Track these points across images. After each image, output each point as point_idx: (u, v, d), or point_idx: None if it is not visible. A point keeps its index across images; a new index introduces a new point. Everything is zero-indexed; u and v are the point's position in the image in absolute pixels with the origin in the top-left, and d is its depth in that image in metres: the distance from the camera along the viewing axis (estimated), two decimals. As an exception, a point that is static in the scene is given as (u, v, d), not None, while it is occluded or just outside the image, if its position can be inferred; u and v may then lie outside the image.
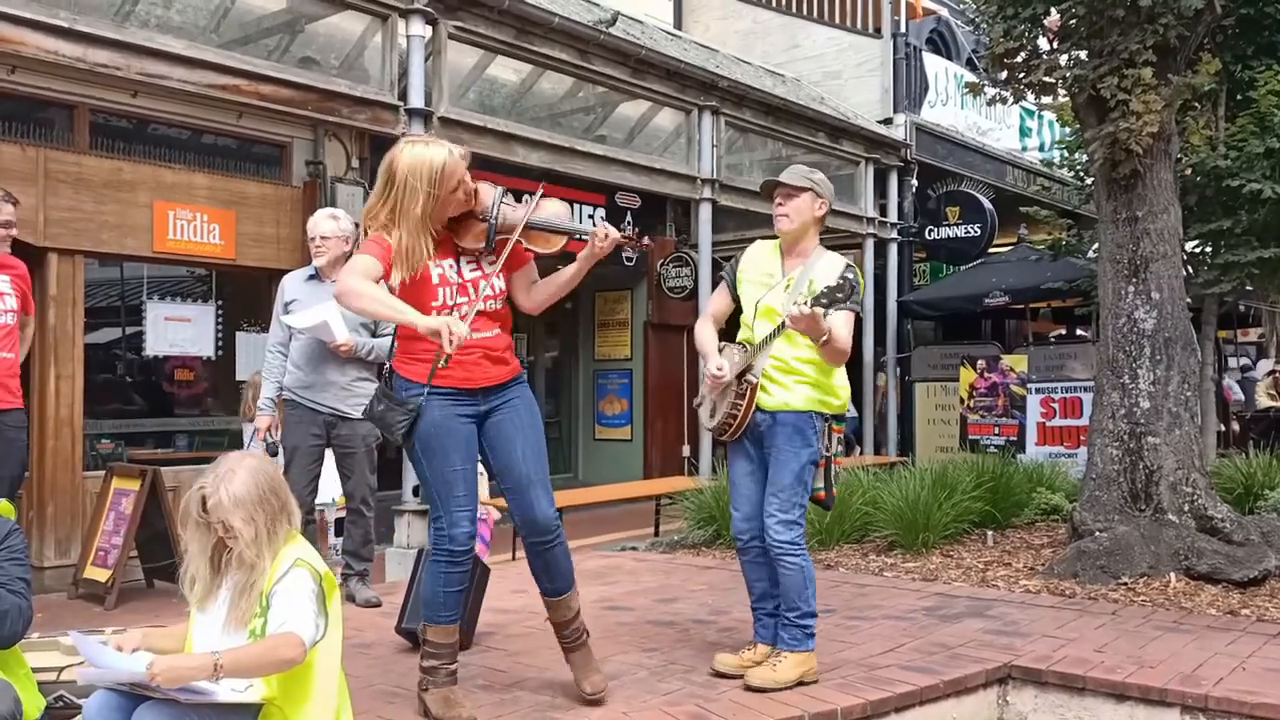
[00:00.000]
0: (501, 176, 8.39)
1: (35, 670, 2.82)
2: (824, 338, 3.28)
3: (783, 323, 3.34)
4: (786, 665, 3.41)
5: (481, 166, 8.36)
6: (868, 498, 6.30)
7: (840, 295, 3.24)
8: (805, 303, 3.20)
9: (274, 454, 4.74)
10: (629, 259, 2.77)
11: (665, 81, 8.71)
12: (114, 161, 6.44)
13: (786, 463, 3.42)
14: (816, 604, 3.51)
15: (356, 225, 5.52)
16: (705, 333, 3.64)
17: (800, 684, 3.41)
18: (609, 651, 3.87)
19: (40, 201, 6.06)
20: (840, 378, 3.51)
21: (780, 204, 3.52)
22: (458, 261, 3.09)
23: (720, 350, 3.55)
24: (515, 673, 3.61)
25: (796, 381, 3.43)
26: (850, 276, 3.32)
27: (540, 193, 3.14)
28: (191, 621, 2.54)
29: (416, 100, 6.77)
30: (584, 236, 3.13)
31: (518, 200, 3.18)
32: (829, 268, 3.42)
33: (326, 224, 4.78)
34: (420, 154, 2.95)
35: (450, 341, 2.77)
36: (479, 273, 3.09)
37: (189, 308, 7.05)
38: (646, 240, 3.23)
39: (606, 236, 3.04)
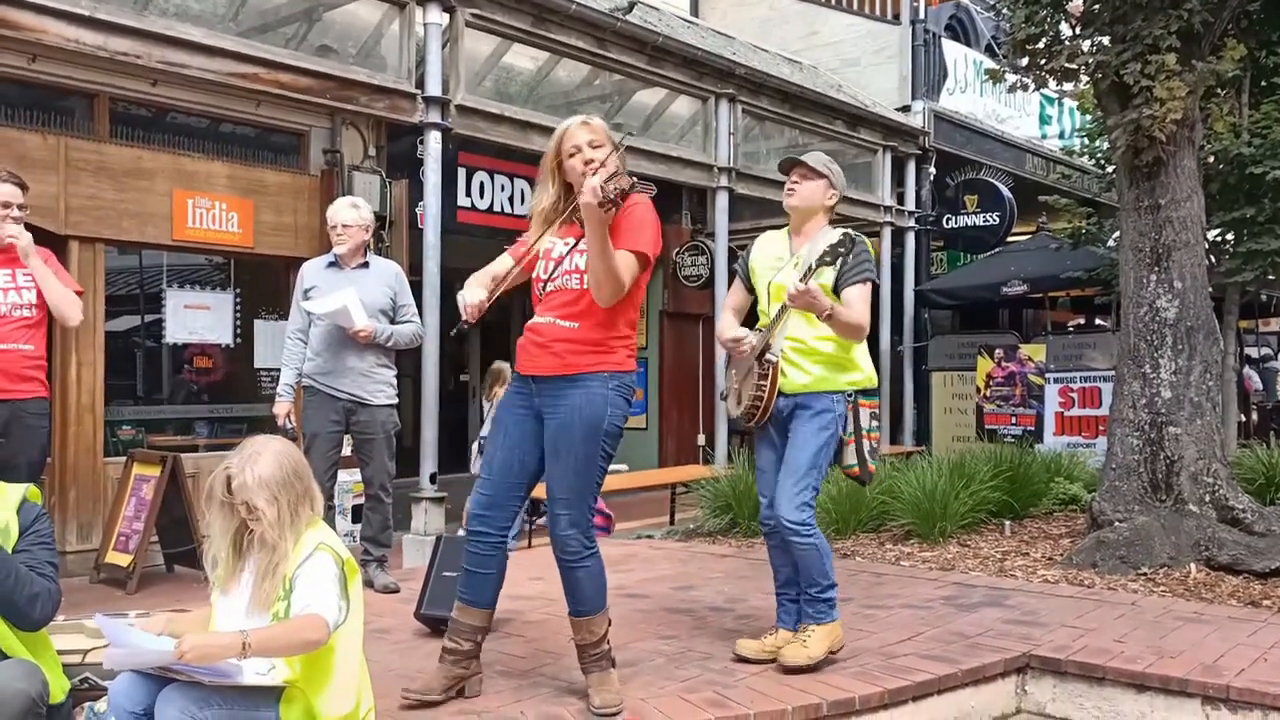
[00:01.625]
0: (518, 164, 8.43)
1: (60, 653, 2.85)
2: (826, 312, 3.27)
3: (784, 305, 3.35)
4: (816, 639, 3.44)
5: (498, 155, 8.37)
6: (884, 487, 6.28)
7: (842, 250, 3.28)
8: (810, 267, 3.26)
9: (292, 440, 4.76)
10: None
11: (682, 69, 8.68)
12: (134, 150, 6.47)
13: (804, 445, 3.43)
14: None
15: (375, 214, 5.56)
16: (725, 320, 3.67)
17: (831, 654, 3.46)
18: (626, 639, 3.88)
19: (61, 190, 6.10)
20: (860, 351, 3.50)
21: (795, 181, 3.57)
22: (578, 241, 3.01)
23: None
24: (534, 659, 3.62)
25: (814, 362, 3.45)
26: (853, 240, 3.32)
27: (609, 154, 3.00)
28: (214, 606, 2.56)
29: (434, 88, 6.77)
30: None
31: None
32: (833, 240, 3.43)
33: (348, 212, 4.79)
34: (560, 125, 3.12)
35: (464, 309, 2.93)
36: (570, 247, 3.02)
37: (208, 295, 7.08)
38: (628, 184, 2.84)
39: (590, 189, 2.79)
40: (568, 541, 3.05)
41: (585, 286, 2.98)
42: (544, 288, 3.05)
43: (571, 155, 3.03)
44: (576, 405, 2.99)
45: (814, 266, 3.28)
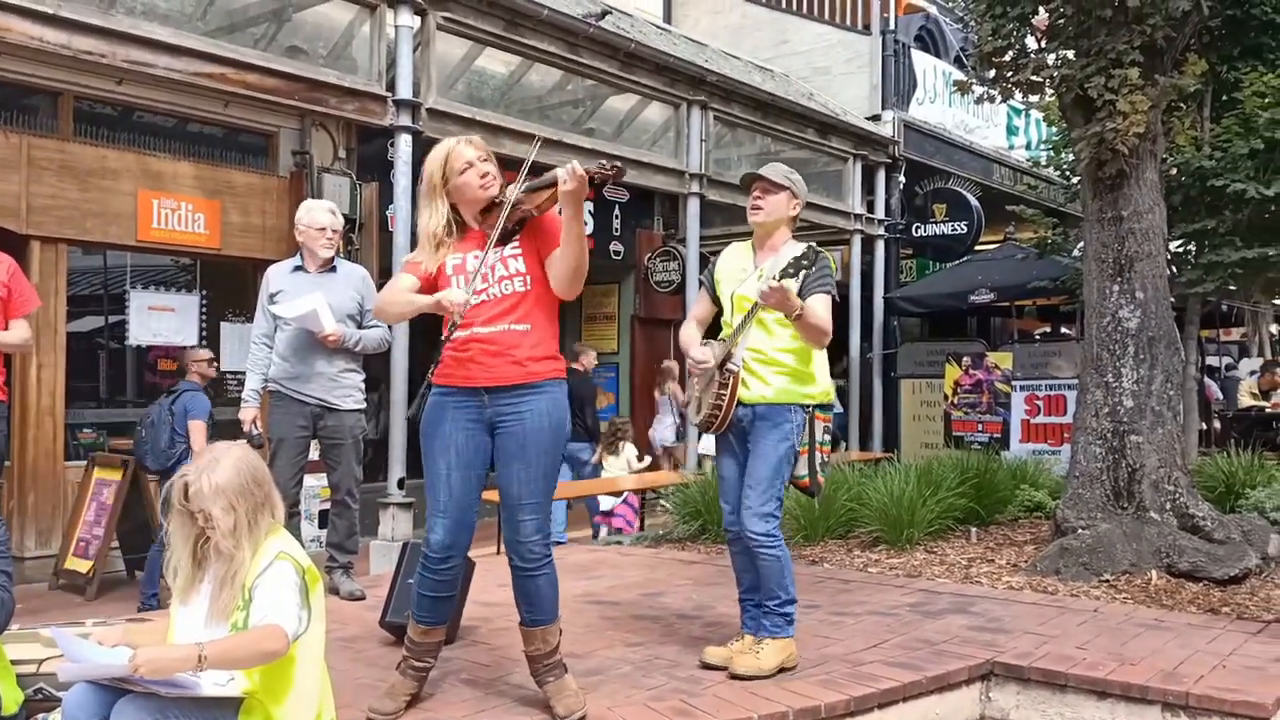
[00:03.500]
0: (489, 169, 8.41)
1: (15, 662, 2.80)
2: (797, 312, 3.31)
3: (755, 304, 3.39)
4: (769, 652, 3.46)
5: (469, 158, 8.33)
6: (853, 494, 6.31)
7: (805, 263, 3.32)
8: (774, 278, 3.28)
9: (258, 446, 4.71)
10: (601, 184, 2.83)
11: (654, 75, 8.70)
12: (98, 149, 6.39)
13: (765, 456, 3.46)
14: (797, 593, 3.56)
15: (345, 216, 5.52)
16: (688, 331, 3.71)
17: (782, 669, 3.46)
18: (593, 646, 3.87)
19: (23, 189, 6.01)
20: (818, 366, 3.55)
21: (758, 196, 3.60)
22: (485, 252, 3.01)
23: (703, 345, 3.62)
24: (499, 667, 3.60)
25: (775, 373, 3.48)
26: (817, 253, 3.38)
27: (533, 152, 3.15)
28: (173, 615, 2.53)
29: (405, 91, 6.73)
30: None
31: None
32: (797, 252, 3.47)
33: (328, 216, 4.78)
34: (436, 148, 3.13)
35: (452, 310, 2.90)
36: (498, 256, 3.01)
37: (173, 297, 7.00)
38: (615, 164, 2.95)
39: (572, 173, 2.84)
40: (533, 547, 3.02)
41: (530, 286, 3.01)
42: (465, 303, 2.97)
43: (463, 171, 3.03)
44: (543, 411, 3.00)
45: (778, 277, 3.31)
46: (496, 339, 2.98)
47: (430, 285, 3.06)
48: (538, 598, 3.05)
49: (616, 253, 10.31)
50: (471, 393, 3.02)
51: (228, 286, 7.29)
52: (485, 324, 2.99)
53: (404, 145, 6.75)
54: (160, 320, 6.89)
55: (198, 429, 5.84)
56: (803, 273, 3.35)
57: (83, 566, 5.73)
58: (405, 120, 6.75)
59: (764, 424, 3.47)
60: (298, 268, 4.77)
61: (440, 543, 3.03)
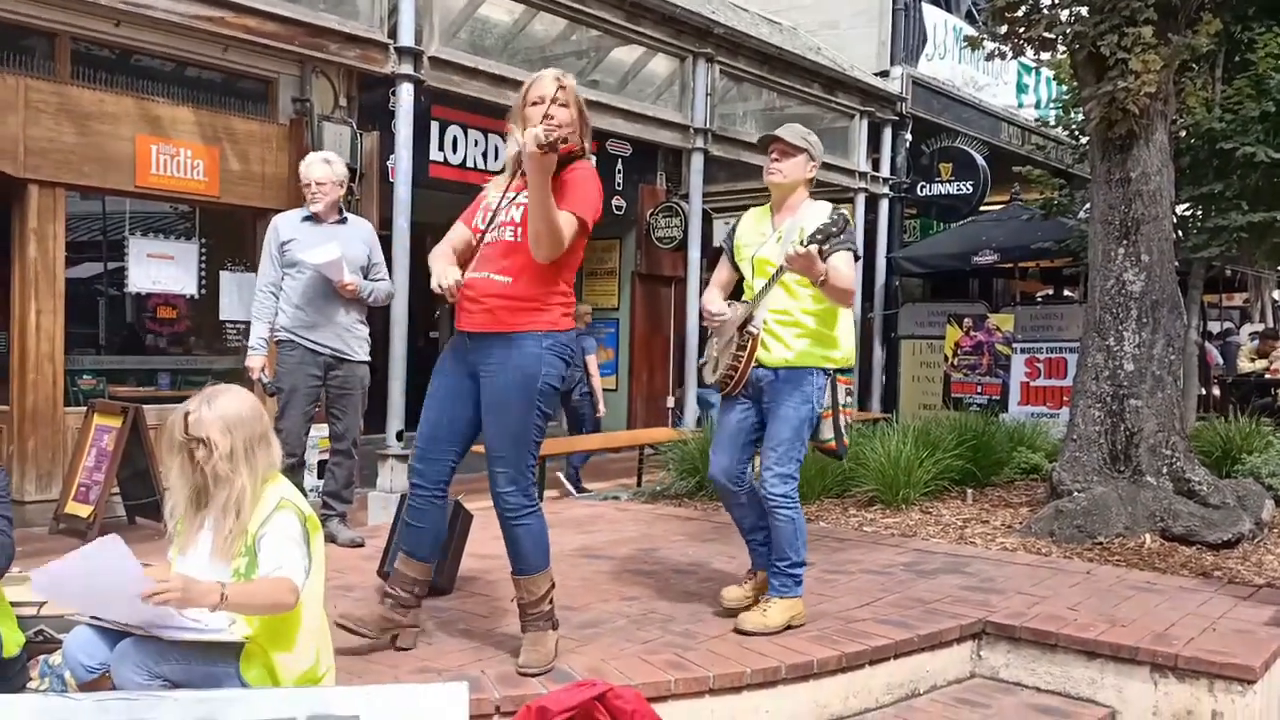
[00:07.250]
0: (492, 119, 8.32)
1: (15, 604, 2.82)
2: (822, 277, 3.29)
3: (780, 267, 3.37)
4: (776, 610, 3.49)
5: (471, 109, 8.25)
6: (850, 454, 6.32)
7: (835, 230, 3.30)
8: (801, 243, 3.24)
9: (274, 394, 4.71)
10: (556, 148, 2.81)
11: (660, 26, 8.56)
12: (96, 92, 6.31)
13: (786, 418, 3.45)
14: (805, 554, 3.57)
15: (349, 167, 5.46)
16: (710, 294, 3.67)
17: (789, 627, 3.50)
18: (589, 600, 3.91)
19: (20, 131, 5.94)
20: (842, 329, 3.53)
21: (776, 159, 3.58)
22: (517, 194, 3.02)
23: (727, 304, 3.61)
24: (495, 618, 3.63)
25: (797, 335, 3.46)
26: (846, 221, 3.36)
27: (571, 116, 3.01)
28: (173, 565, 2.54)
29: (406, 39, 6.63)
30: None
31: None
32: (817, 215, 3.45)
33: (320, 169, 4.72)
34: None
35: (446, 294, 2.95)
36: (510, 200, 3.01)
37: (172, 245, 6.95)
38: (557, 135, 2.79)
39: (534, 138, 2.73)
40: (506, 499, 3.05)
41: (520, 239, 2.95)
42: (480, 240, 3.03)
43: (535, 104, 2.96)
44: (512, 364, 2.97)
45: (804, 243, 3.27)
46: (476, 285, 2.99)
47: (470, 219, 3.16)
48: (518, 547, 3.10)
49: (619, 208, 10.23)
50: (460, 336, 3.09)
51: (227, 234, 7.24)
52: (476, 269, 3.01)
53: (405, 94, 6.67)
54: (160, 268, 6.85)
55: None
56: (829, 240, 3.32)
57: (83, 511, 5.76)
58: (407, 68, 6.66)
59: (785, 386, 3.45)
60: (308, 217, 4.74)
61: (418, 470, 3.16)
